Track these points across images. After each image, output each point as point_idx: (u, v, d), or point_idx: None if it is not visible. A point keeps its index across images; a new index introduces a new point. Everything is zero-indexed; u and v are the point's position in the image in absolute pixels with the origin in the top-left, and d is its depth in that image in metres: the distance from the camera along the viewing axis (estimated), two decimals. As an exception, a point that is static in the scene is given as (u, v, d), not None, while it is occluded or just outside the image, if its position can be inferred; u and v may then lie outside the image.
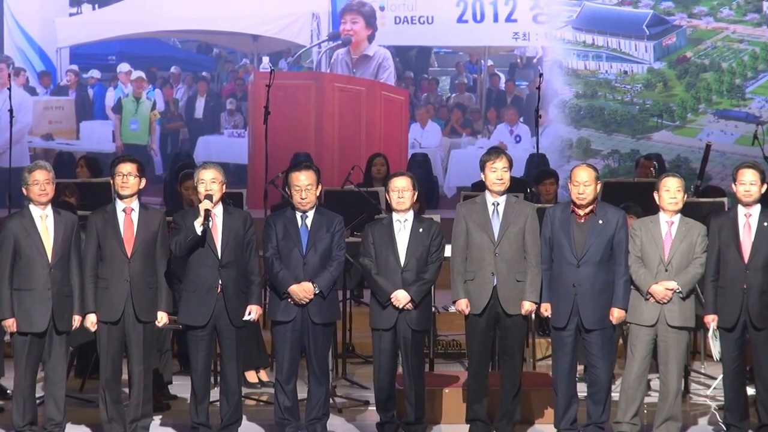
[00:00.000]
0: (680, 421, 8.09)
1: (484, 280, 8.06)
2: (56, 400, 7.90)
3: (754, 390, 8.11)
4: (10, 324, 7.79)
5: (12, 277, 7.80)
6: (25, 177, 7.88)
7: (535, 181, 11.69)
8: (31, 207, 7.88)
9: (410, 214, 8.16)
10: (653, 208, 8.16)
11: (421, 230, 8.13)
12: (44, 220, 7.85)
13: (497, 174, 8.09)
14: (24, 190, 7.91)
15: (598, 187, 8.01)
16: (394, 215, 8.17)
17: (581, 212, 7.99)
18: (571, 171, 8.08)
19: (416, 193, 8.19)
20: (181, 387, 9.07)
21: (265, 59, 18.61)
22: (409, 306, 8.05)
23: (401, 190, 8.11)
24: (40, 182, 7.84)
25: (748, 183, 7.96)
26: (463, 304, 8.09)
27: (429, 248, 8.12)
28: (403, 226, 8.14)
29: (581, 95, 17.65)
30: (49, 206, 7.90)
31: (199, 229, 7.85)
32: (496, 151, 8.24)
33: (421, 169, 15.45)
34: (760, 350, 7.95)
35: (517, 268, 8.05)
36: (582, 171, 7.97)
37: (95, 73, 19.08)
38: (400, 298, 8.04)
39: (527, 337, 9.50)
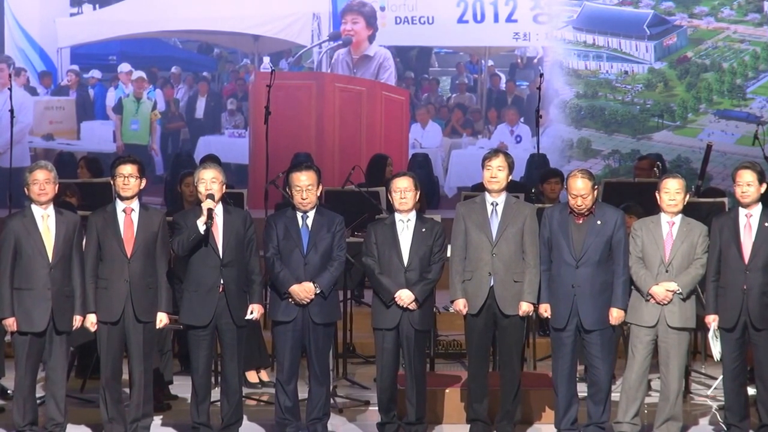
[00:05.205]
0: (681, 422, 8.09)
1: (481, 280, 8.05)
2: (57, 400, 7.90)
3: (755, 390, 8.11)
4: (11, 323, 7.80)
5: (12, 277, 7.80)
6: (26, 177, 7.88)
7: (541, 180, 11.68)
8: (33, 207, 7.87)
9: (413, 214, 8.16)
10: (654, 209, 8.15)
11: (424, 230, 8.13)
12: (46, 220, 7.85)
13: (491, 172, 8.09)
14: (25, 190, 7.90)
15: (596, 192, 8.00)
16: (397, 215, 8.16)
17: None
18: (567, 179, 8.04)
19: (418, 193, 8.19)
20: (181, 387, 9.06)
21: (266, 59, 18.60)
22: (413, 306, 8.06)
23: (403, 190, 8.11)
24: (40, 182, 7.83)
25: (745, 184, 7.94)
26: (460, 304, 8.09)
27: (432, 248, 8.12)
28: (406, 226, 8.14)
29: (582, 95, 17.65)
30: (51, 206, 7.89)
31: (202, 228, 7.86)
32: (494, 150, 8.26)
33: (421, 170, 15.45)
34: (761, 350, 7.95)
35: (515, 269, 8.05)
36: (578, 181, 7.91)
37: (96, 73, 19.07)
38: (404, 297, 8.04)
39: (527, 337, 9.50)
